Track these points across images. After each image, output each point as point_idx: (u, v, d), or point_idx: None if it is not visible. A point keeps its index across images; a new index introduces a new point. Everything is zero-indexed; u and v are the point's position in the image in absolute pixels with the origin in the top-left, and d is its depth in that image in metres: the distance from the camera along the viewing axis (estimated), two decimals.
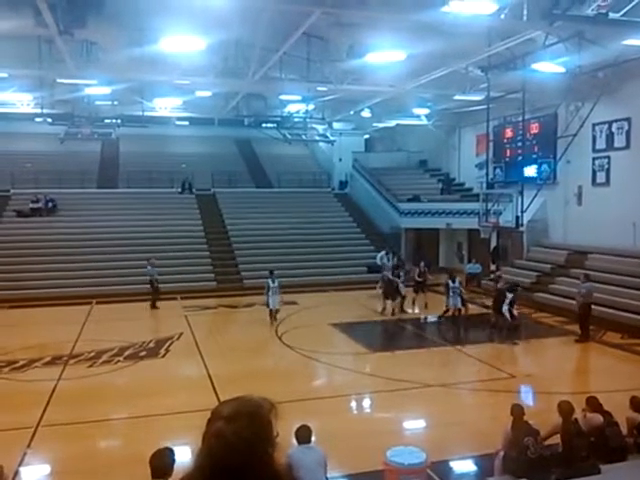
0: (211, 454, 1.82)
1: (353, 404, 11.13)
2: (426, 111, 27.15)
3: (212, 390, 10.85)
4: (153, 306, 19.14)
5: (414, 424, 10.02)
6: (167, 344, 14.45)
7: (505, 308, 15.37)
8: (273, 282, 16.48)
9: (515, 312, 15.47)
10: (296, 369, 12.89)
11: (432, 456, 6.75)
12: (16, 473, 7.54)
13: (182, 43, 15.04)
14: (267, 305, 16.48)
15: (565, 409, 6.63)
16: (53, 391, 10.92)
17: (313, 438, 6.23)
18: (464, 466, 8.25)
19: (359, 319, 16.94)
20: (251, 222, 26.13)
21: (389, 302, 17.53)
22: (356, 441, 8.37)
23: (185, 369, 12.92)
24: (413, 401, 10.79)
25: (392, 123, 30.67)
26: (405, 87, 20.17)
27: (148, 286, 19.47)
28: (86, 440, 8.90)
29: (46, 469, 8.19)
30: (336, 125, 31.93)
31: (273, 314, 16.48)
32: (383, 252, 24.10)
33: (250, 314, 18.75)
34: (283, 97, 25.21)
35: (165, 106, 27.16)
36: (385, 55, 16.15)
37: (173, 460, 5.07)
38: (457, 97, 22.09)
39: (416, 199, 27.40)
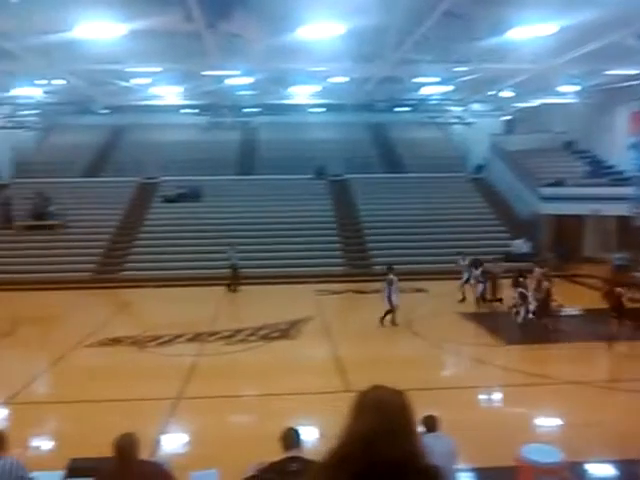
0: (367, 445, 1.83)
1: (483, 396, 10.66)
2: (574, 88, 25.15)
3: (341, 373, 10.94)
4: (230, 289, 19.81)
5: (548, 421, 9.37)
6: (298, 326, 14.82)
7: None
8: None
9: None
10: (423, 357, 12.62)
11: (568, 456, 6.27)
12: (157, 441, 8.11)
13: (322, 30, 15.20)
14: (394, 303, 14.89)
15: None
16: (193, 366, 11.64)
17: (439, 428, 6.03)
18: (603, 470, 7.55)
19: (490, 309, 16.23)
20: (383, 208, 25.97)
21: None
22: (485, 434, 8.01)
23: (315, 351, 13.15)
24: (547, 397, 10.11)
25: (535, 102, 28.85)
26: (552, 63, 18.79)
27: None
28: (220, 414, 9.38)
29: (184, 438, 8.71)
30: (474, 106, 30.72)
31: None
32: (521, 240, 22.93)
33: (379, 300, 18.67)
34: (419, 79, 24.62)
35: (302, 93, 27.72)
36: (534, 29, 15.05)
37: (299, 439, 5.12)
38: (610, 72, 20.18)
39: (559, 183, 25.57)
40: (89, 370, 11.85)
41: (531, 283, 15.26)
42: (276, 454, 4.83)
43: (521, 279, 14.82)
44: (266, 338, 13.82)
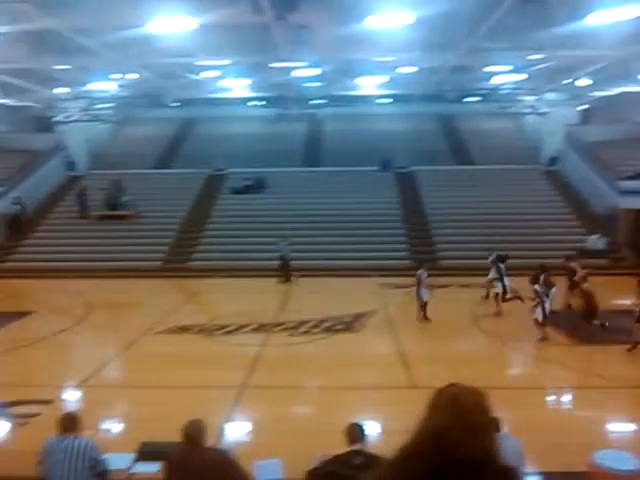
0: (441, 442, 1.81)
1: (552, 398, 10.21)
2: None
3: (405, 369, 10.78)
4: (287, 280, 20.09)
5: (622, 427, 8.83)
6: (362, 319, 14.71)
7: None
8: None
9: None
10: (490, 355, 12.24)
11: None
12: (222, 428, 8.20)
13: (391, 19, 14.99)
14: (422, 299, 14.44)
15: None
16: (258, 356, 11.76)
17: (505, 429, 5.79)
18: None
19: (563, 306, 15.58)
20: (451, 200, 25.41)
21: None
22: (553, 438, 7.64)
23: (378, 345, 12.98)
24: (622, 401, 9.57)
25: (615, 91, 27.43)
26: (633, 49, 17.79)
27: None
28: (283, 405, 9.40)
29: (247, 427, 8.78)
30: (548, 96, 29.57)
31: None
32: (597, 236, 21.99)
33: (445, 295, 18.28)
34: (491, 68, 23.91)
35: (369, 84, 27.50)
36: (614, 14, 14.23)
37: (363, 433, 5.08)
38: None
39: None
40: (158, 356, 12.19)
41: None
42: (339, 447, 4.80)
43: (544, 275, 13.38)
44: (330, 331, 13.78)
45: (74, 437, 5.05)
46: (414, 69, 24.15)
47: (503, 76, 25.26)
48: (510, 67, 23.03)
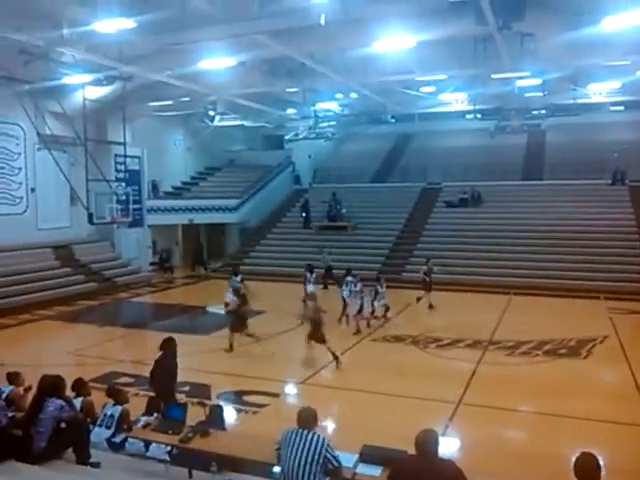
0: None
1: None
2: None
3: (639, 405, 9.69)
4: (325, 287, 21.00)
5: None
6: (589, 345, 13.54)
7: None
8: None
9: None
10: None
11: None
12: None
13: (629, 19, 13.74)
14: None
15: None
16: (473, 373, 11.52)
17: None
18: None
19: None
20: None
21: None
22: None
23: (608, 375, 11.93)
24: None
25: None
26: None
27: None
28: (499, 426, 9.12)
29: (461, 444, 8.53)
30: None
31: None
32: None
33: None
34: None
35: (599, 91, 25.43)
36: None
37: (600, 470, 4.54)
38: None
39: None
40: (374, 363, 12.60)
41: None
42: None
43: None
44: (551, 354, 12.93)
45: (310, 432, 5.27)
46: None
47: None
48: None
